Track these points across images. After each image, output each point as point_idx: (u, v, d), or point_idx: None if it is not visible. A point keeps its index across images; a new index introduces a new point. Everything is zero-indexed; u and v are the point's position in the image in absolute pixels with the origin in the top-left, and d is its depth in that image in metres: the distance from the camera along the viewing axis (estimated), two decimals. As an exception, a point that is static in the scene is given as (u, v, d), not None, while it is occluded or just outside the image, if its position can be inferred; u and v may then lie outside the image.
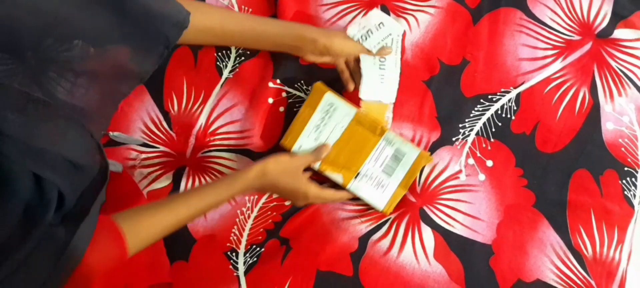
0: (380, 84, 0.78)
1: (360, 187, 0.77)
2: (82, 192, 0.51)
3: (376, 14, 0.78)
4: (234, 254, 0.79)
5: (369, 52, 0.76)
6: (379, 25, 0.77)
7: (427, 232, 0.79)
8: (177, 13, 0.57)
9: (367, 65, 0.77)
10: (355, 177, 0.76)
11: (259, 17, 0.69)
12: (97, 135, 0.58)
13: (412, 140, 0.83)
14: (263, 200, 0.81)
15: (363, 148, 0.74)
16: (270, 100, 0.84)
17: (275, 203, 0.81)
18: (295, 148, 0.77)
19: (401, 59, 0.79)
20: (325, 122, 0.74)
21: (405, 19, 0.86)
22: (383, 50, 0.77)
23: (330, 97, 0.73)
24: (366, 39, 0.75)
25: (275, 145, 0.81)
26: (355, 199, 0.80)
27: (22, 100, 0.45)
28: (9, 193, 0.45)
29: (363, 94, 0.77)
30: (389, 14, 0.86)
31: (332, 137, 0.75)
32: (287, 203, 0.80)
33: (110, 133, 0.80)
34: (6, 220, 0.45)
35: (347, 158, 0.75)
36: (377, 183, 0.76)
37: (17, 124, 0.44)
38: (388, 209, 0.78)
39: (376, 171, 0.75)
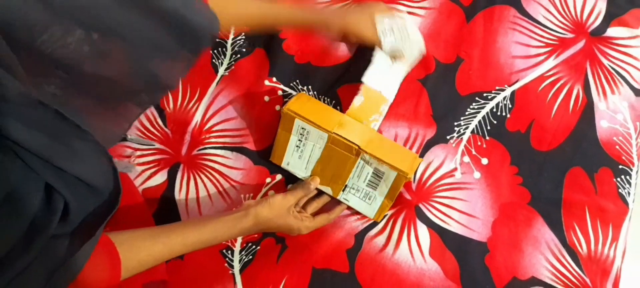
0: (384, 77, 0.80)
1: (350, 198, 0.78)
2: (90, 212, 0.51)
3: (407, 20, 0.81)
4: (229, 252, 0.79)
5: (380, 46, 0.79)
6: (403, 28, 0.80)
7: (423, 230, 0.79)
8: (209, 22, 0.57)
9: (380, 55, 0.79)
10: (343, 190, 0.77)
11: (288, 6, 0.73)
12: (115, 137, 0.59)
13: (408, 138, 0.83)
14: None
15: (345, 166, 0.75)
16: (266, 99, 0.84)
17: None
18: (283, 164, 0.78)
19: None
20: (303, 142, 0.75)
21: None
22: (395, 53, 0.80)
23: (300, 123, 0.74)
24: (386, 35, 0.78)
25: (270, 145, 0.81)
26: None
27: (47, 117, 0.44)
28: (17, 210, 0.44)
29: (366, 78, 0.78)
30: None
31: (314, 154, 0.76)
32: None
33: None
34: (11, 234, 0.44)
35: (332, 172, 0.76)
36: (365, 195, 0.77)
37: (37, 141, 0.44)
38: (378, 217, 0.78)
39: (361, 185, 0.76)
